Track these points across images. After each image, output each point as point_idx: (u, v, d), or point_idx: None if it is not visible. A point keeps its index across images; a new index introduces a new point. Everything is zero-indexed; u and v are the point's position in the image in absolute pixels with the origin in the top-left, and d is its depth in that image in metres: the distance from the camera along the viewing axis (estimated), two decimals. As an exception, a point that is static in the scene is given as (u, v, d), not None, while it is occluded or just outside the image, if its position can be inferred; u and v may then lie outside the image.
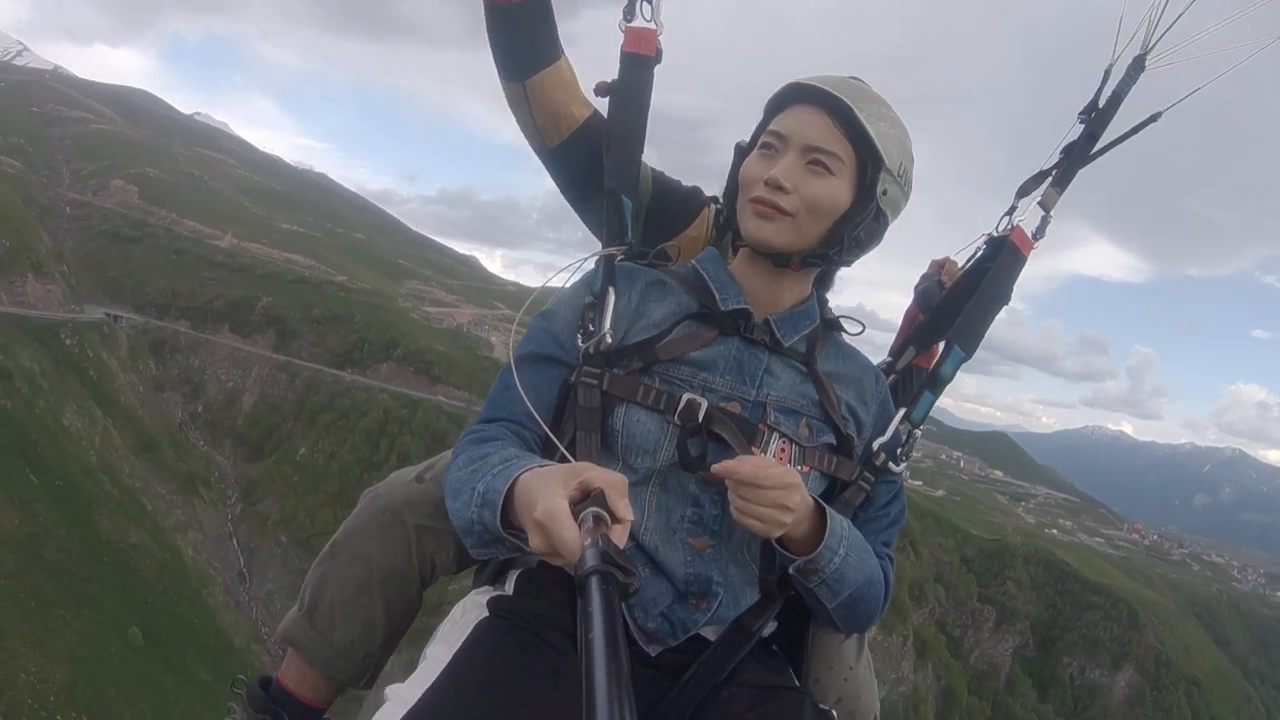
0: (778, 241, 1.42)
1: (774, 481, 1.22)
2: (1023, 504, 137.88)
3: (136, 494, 49.13)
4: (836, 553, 1.34)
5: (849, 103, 1.38)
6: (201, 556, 48.00)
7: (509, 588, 1.46)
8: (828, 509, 1.35)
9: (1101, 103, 1.76)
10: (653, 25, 1.58)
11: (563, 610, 1.33)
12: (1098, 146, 1.77)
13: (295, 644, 1.69)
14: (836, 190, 1.40)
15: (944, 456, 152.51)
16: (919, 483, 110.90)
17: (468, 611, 1.42)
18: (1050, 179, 1.78)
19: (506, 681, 1.20)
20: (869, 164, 1.41)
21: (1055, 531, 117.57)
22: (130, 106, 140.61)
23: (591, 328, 1.44)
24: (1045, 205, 1.75)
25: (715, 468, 1.27)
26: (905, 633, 61.99)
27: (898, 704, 58.90)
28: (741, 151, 1.49)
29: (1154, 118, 1.78)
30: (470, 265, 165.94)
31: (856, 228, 1.44)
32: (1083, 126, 1.78)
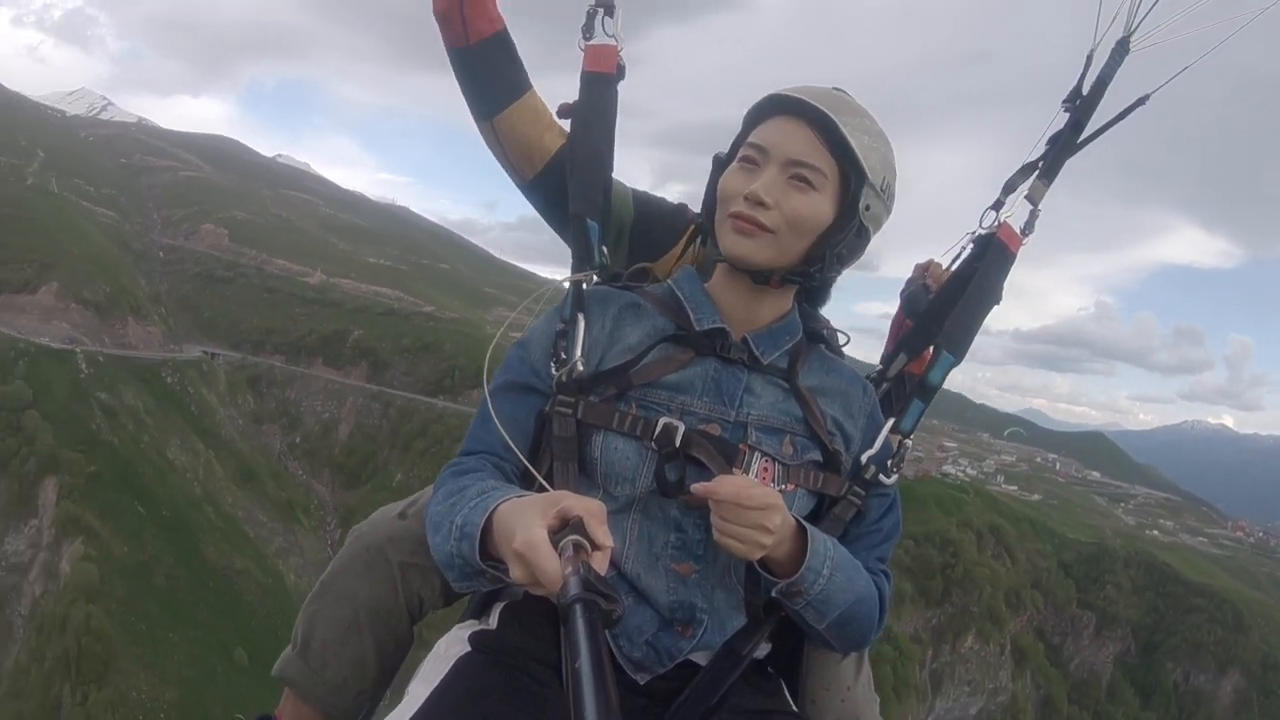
0: (757, 259, 1.40)
1: (755, 501, 1.23)
2: (1122, 505, 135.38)
3: (239, 522, 51.46)
4: (820, 574, 1.33)
5: (831, 115, 1.36)
6: (303, 581, 49.21)
7: (492, 621, 1.46)
8: (809, 529, 1.34)
9: (1086, 89, 1.73)
10: (613, 41, 1.59)
11: (547, 643, 1.32)
12: (1084, 135, 1.75)
13: (290, 682, 1.72)
14: (819, 206, 1.37)
15: (1039, 459, 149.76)
16: (1014, 487, 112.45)
17: (450, 647, 1.41)
18: (1037, 172, 1.74)
19: (488, 716, 1.21)
20: (852, 178, 1.40)
21: (1156, 532, 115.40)
22: (215, 153, 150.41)
23: (564, 355, 1.44)
24: (1033, 199, 1.72)
25: (694, 488, 1.28)
26: (1002, 641, 60.95)
27: (995, 714, 56.89)
28: (719, 164, 1.47)
29: (1142, 101, 1.75)
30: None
31: (839, 244, 1.43)
32: (1068, 115, 1.74)
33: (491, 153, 1.81)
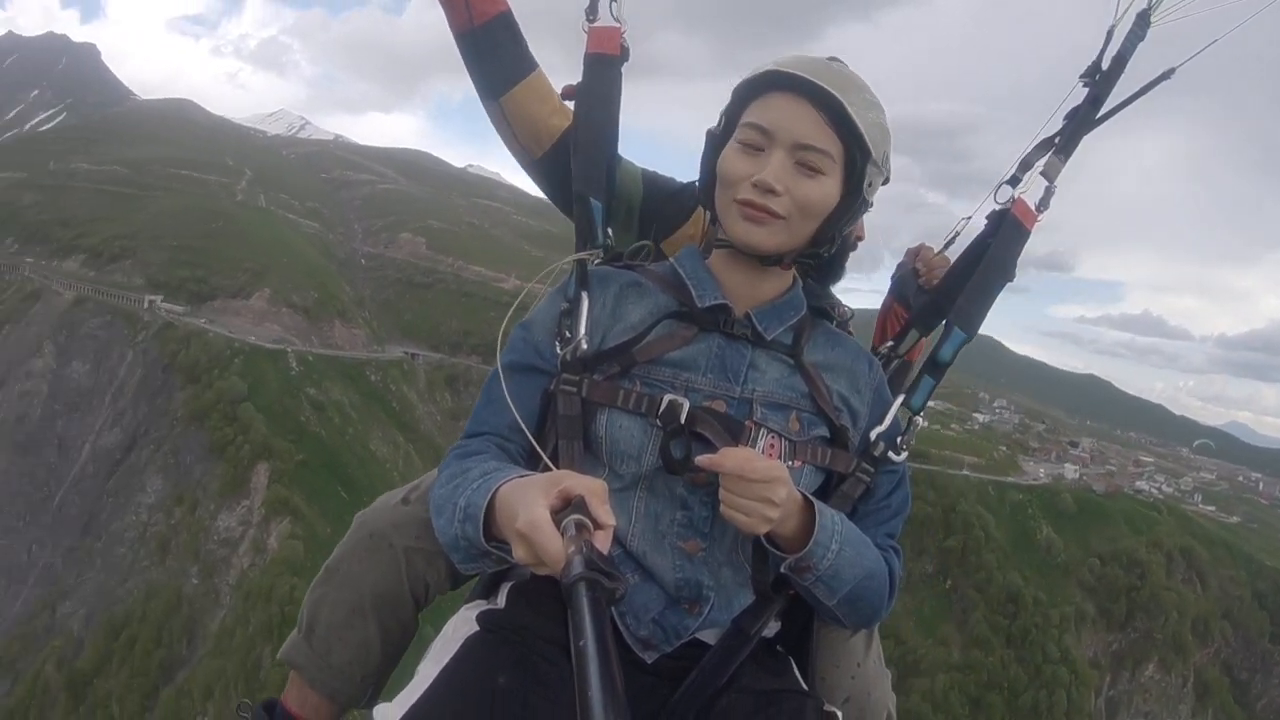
0: (768, 245, 1.44)
1: (759, 474, 1.26)
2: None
3: None
4: (829, 549, 1.36)
5: (839, 96, 1.38)
6: None
7: (500, 601, 1.51)
8: (817, 504, 1.38)
9: (1105, 64, 1.75)
10: (617, 24, 1.62)
11: (555, 621, 1.34)
12: (1103, 110, 1.77)
13: (295, 666, 1.81)
14: (827, 189, 1.41)
15: (1240, 479, 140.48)
16: (1211, 508, 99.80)
17: (458, 628, 1.46)
18: (1054, 148, 1.77)
19: (494, 696, 1.25)
20: (857, 158, 1.42)
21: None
22: (409, 166, 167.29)
23: (568, 334, 1.49)
24: (1049, 175, 1.75)
25: (699, 460, 1.31)
26: (1185, 673, 57.45)
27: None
28: (713, 139, 1.49)
29: (1166, 75, 1.77)
30: None
31: (846, 224, 1.48)
32: (1086, 90, 1.77)
33: (498, 132, 1.86)
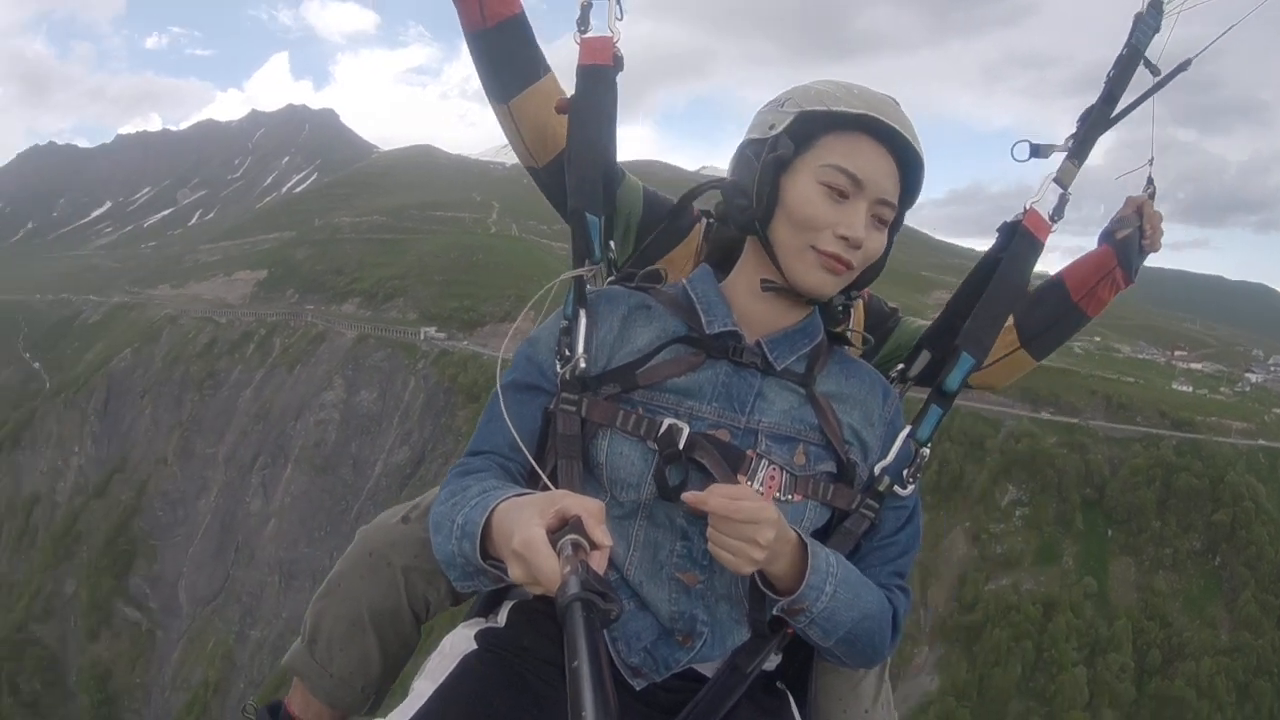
0: (832, 292, 1.56)
1: (743, 515, 1.30)
2: None
3: None
4: (823, 591, 1.42)
5: (922, 157, 1.53)
6: None
7: (501, 619, 1.63)
8: (810, 545, 1.43)
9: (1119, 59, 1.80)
10: (608, 33, 1.71)
11: (555, 642, 1.40)
12: (1119, 109, 1.82)
13: (298, 674, 2.04)
14: (884, 241, 1.55)
15: None
16: None
17: (456, 645, 1.58)
18: (1067, 153, 1.81)
19: (490, 714, 1.35)
20: (903, 211, 1.58)
21: None
22: (644, 174, 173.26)
23: (568, 352, 1.57)
24: (1062, 182, 1.79)
25: (684, 497, 1.36)
26: None
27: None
28: (780, 162, 1.50)
29: (1183, 67, 1.83)
30: None
31: (880, 270, 1.60)
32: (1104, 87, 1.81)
33: (506, 136, 1.97)
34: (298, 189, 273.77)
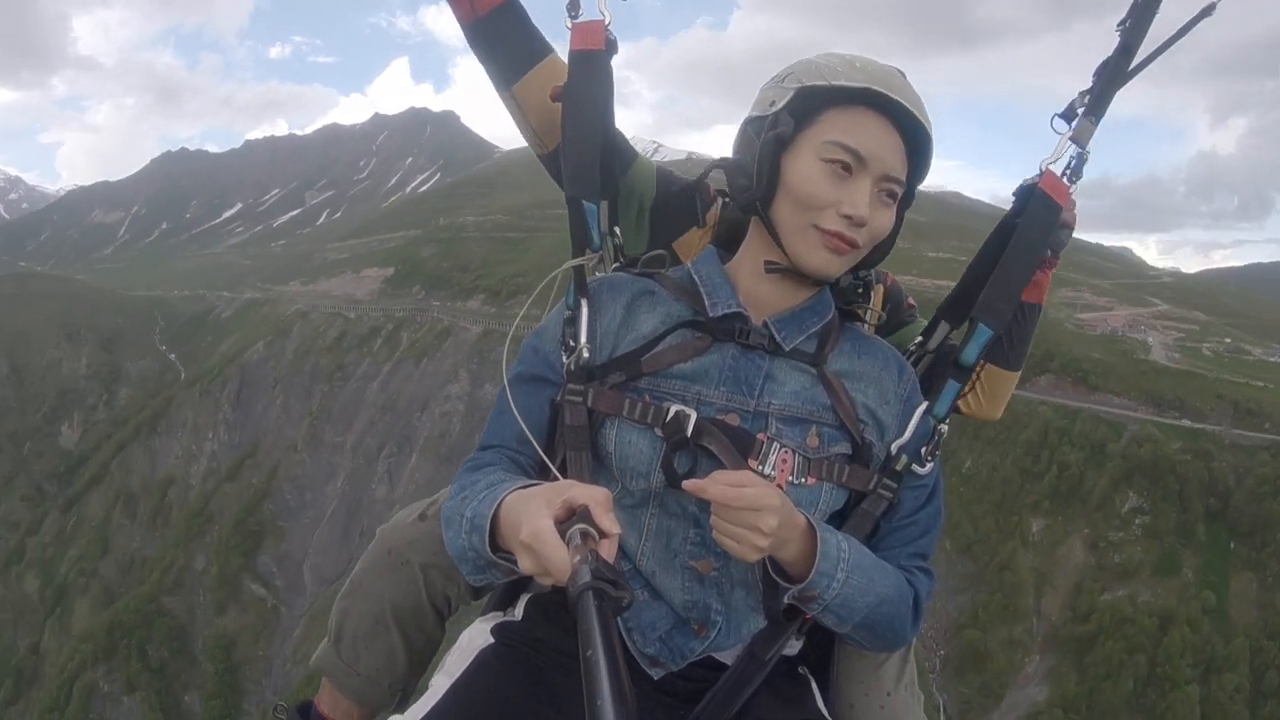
0: (837, 273, 1.58)
1: (745, 503, 1.31)
2: None
3: None
4: (834, 578, 1.43)
5: (929, 131, 1.52)
6: None
7: (518, 613, 1.68)
8: (820, 531, 1.44)
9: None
10: (600, 16, 1.70)
11: (569, 634, 1.45)
12: (1136, 61, 1.77)
13: (326, 673, 2.13)
14: (892, 218, 1.56)
15: None
16: None
17: (473, 639, 1.63)
18: (1082, 109, 1.78)
19: (504, 710, 1.38)
20: (913, 187, 1.58)
21: None
22: None
23: (571, 343, 1.60)
24: (1079, 141, 1.77)
25: (685, 485, 1.38)
26: None
27: None
28: (780, 140, 1.52)
29: (1207, 11, 1.75)
30: (1122, 260, 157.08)
31: (890, 248, 1.62)
32: (1118, 39, 1.76)
33: (516, 125, 1.98)
34: (422, 189, 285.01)
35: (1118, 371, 63.63)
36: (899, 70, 1.54)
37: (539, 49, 1.91)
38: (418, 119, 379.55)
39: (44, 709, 69.36)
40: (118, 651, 71.55)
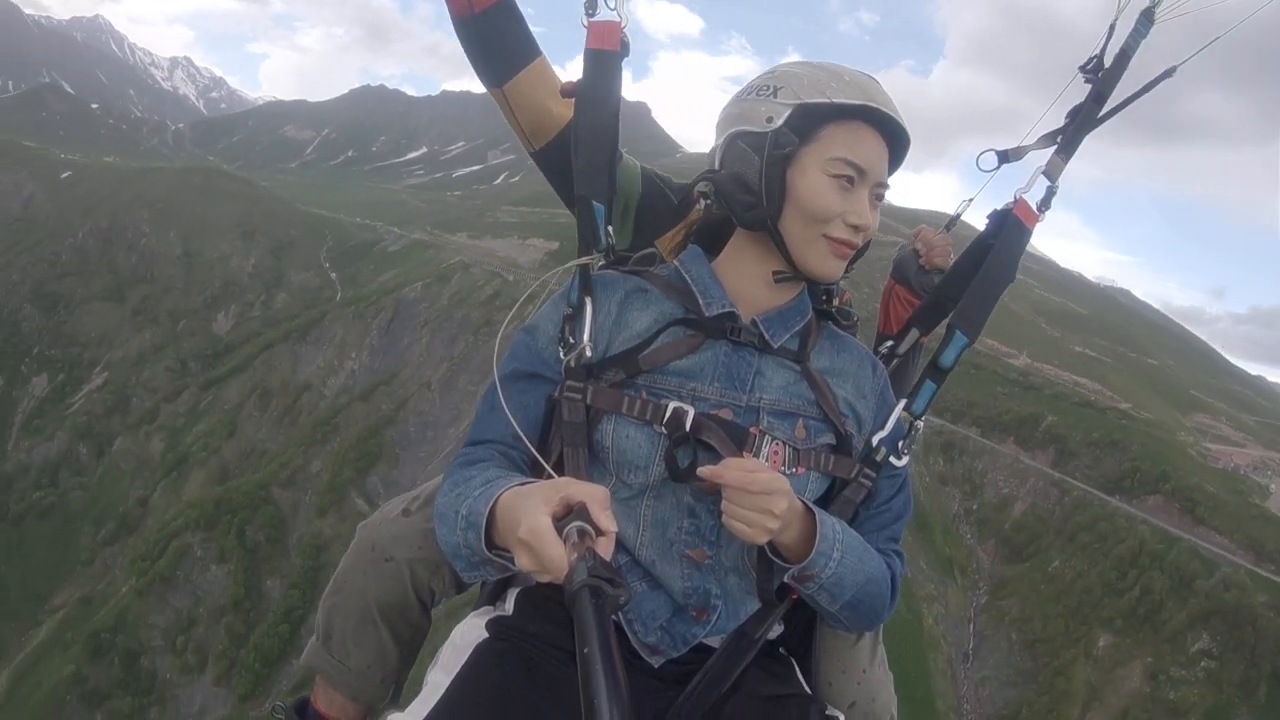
0: (840, 276, 1.72)
1: (759, 486, 1.42)
2: None
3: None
4: (831, 558, 1.57)
5: (909, 138, 1.68)
6: (938, 628, 62.67)
7: (509, 607, 1.75)
8: (818, 513, 1.58)
9: (1108, 61, 1.95)
10: (616, 18, 1.76)
11: (564, 628, 1.52)
12: (1106, 109, 1.97)
13: (318, 671, 2.18)
14: (878, 218, 1.70)
15: None
16: None
17: (467, 634, 1.69)
18: (1055, 146, 1.97)
19: (506, 705, 1.43)
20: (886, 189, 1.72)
21: None
22: (934, 227, 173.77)
23: (571, 340, 1.68)
24: (1050, 175, 1.95)
25: (701, 470, 1.49)
26: None
27: None
28: (785, 156, 1.63)
29: (1168, 73, 1.96)
30: (1274, 397, 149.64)
31: (868, 245, 1.72)
32: (1089, 87, 1.97)
33: (505, 119, 2.08)
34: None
35: (1227, 509, 63.38)
36: (873, 77, 1.66)
37: (530, 49, 2.02)
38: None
39: (137, 555, 76.50)
40: (219, 524, 78.03)
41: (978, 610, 67.00)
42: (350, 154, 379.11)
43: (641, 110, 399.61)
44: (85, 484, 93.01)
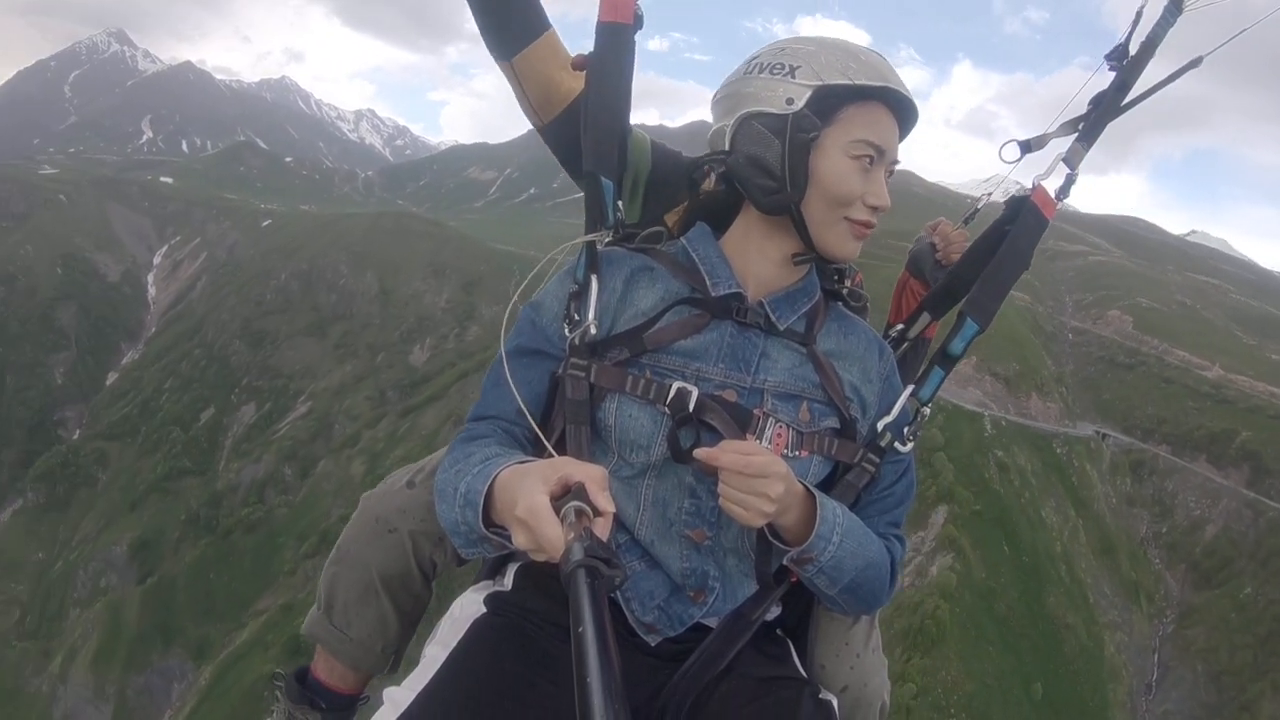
0: (857, 255, 1.74)
1: (754, 470, 1.43)
2: None
3: (1085, 587, 65.95)
4: (830, 541, 1.58)
5: (918, 114, 1.69)
6: (1120, 656, 61.35)
7: (507, 582, 1.79)
8: (819, 497, 1.59)
9: (1134, 48, 1.93)
10: None
11: (561, 604, 1.47)
12: (1130, 97, 1.94)
13: (319, 641, 2.22)
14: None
15: None
16: None
17: (465, 608, 1.74)
18: (1076, 133, 1.94)
19: (501, 680, 1.46)
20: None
21: None
22: (1123, 235, 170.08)
23: (577, 317, 1.68)
24: (1070, 163, 1.92)
25: (697, 453, 1.50)
26: None
27: None
28: (809, 143, 1.63)
29: (1195, 63, 1.93)
30: None
31: None
32: (1112, 74, 1.94)
33: (513, 92, 2.11)
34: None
35: None
36: (881, 55, 1.67)
37: (540, 22, 2.03)
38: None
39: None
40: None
41: (1163, 639, 65.54)
42: (532, 191, 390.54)
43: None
44: (289, 502, 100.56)
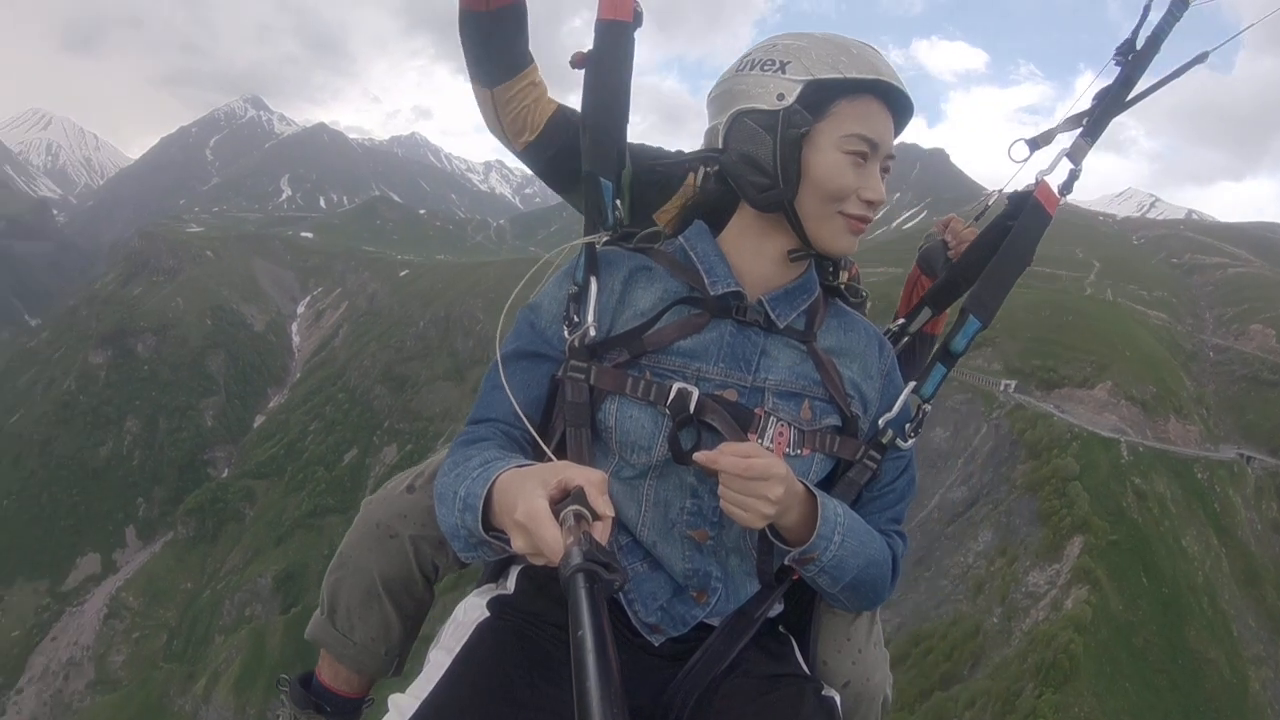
0: (854, 250, 1.72)
1: (754, 472, 1.43)
2: None
3: (1228, 619, 63.82)
4: (832, 541, 1.59)
5: (914, 109, 1.69)
6: (1265, 693, 59.12)
7: (510, 585, 1.79)
8: (820, 496, 1.59)
9: (1139, 43, 1.93)
10: None
11: (562, 607, 1.46)
12: (1135, 92, 1.95)
13: (323, 645, 2.24)
14: (886, 189, 1.70)
15: None
16: None
17: (469, 613, 1.73)
18: (1081, 128, 1.95)
19: (505, 684, 1.47)
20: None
21: None
22: (1261, 244, 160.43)
23: (576, 319, 1.68)
24: (1074, 158, 1.93)
25: (696, 457, 1.50)
26: None
27: None
28: (799, 138, 1.62)
29: (1201, 58, 1.94)
30: None
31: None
32: (1118, 69, 1.96)
33: (480, 112, 2.12)
34: (906, 225, 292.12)
35: None
36: (874, 47, 1.65)
37: (526, 56, 2.04)
38: (907, 155, 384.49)
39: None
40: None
41: (1291, 686, 63.17)
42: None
43: (940, 157, 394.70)
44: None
